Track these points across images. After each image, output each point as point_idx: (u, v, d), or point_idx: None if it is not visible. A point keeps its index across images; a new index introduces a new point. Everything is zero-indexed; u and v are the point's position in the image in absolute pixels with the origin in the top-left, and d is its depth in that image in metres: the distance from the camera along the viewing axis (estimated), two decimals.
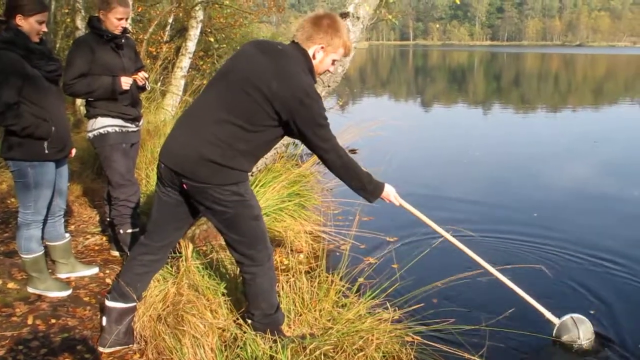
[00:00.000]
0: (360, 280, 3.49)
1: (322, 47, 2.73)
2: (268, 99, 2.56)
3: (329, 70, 2.88)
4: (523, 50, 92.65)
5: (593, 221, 5.92)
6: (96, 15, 3.86)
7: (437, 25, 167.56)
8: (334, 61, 2.81)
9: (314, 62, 2.74)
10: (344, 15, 4.80)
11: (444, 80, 31.50)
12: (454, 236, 3.38)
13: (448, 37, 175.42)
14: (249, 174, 2.81)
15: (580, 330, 3.40)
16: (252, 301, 2.92)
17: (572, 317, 3.45)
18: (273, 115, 2.60)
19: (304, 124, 2.61)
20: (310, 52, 2.73)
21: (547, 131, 12.69)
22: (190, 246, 3.51)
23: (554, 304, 3.67)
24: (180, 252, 3.45)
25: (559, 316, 3.47)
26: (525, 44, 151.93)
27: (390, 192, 3.01)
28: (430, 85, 28.18)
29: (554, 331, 3.45)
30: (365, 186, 2.87)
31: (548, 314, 3.47)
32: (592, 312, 3.82)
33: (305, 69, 2.68)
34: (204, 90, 2.78)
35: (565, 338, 3.42)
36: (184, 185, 2.67)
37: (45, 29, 3.39)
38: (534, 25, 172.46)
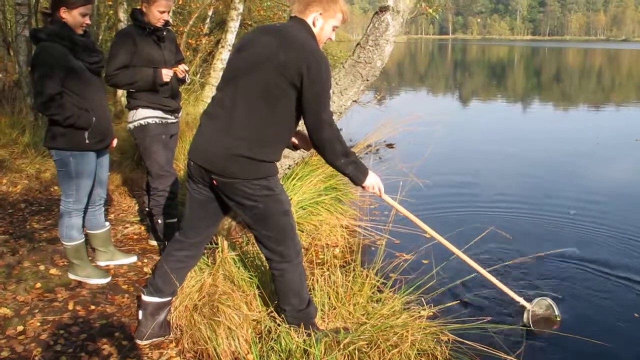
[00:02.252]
0: (395, 275, 3.47)
1: (320, 14, 2.73)
2: (281, 71, 2.54)
3: (330, 38, 2.85)
4: (565, 45, 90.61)
5: (627, 217, 5.76)
6: (139, 7, 3.92)
7: (477, 20, 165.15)
8: (334, 27, 2.80)
9: (315, 30, 2.74)
10: (384, 8, 4.76)
11: (483, 75, 31.04)
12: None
13: (488, 31, 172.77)
14: (281, 168, 2.79)
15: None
16: (283, 297, 2.92)
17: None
18: (287, 87, 2.57)
19: (309, 87, 2.55)
20: (310, 21, 2.73)
21: (587, 128, 12.37)
22: (227, 238, 3.54)
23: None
24: (216, 243, 3.49)
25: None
26: (568, 39, 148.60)
27: (375, 182, 2.88)
28: (469, 80, 27.80)
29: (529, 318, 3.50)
30: (355, 161, 2.77)
31: (521, 300, 3.56)
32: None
33: (308, 36, 2.68)
34: (220, 85, 2.77)
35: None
36: (214, 182, 2.68)
37: (88, 22, 3.46)
38: (577, 20, 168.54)
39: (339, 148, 2.69)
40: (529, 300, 3.59)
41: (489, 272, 3.55)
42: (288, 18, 2.82)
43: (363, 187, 2.89)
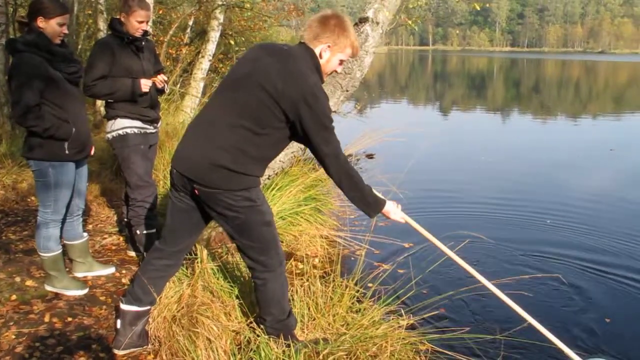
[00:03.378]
0: (375, 285, 3.48)
1: (329, 46, 2.70)
2: (275, 99, 2.54)
3: (336, 71, 2.85)
4: (544, 57, 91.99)
5: (605, 226, 5.87)
6: (117, 17, 3.91)
7: (457, 31, 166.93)
8: (341, 61, 2.79)
9: (321, 61, 2.72)
10: (363, 20, 4.80)
11: (463, 86, 31.36)
12: (454, 248, 3.30)
13: (468, 42, 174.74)
14: (261, 178, 2.80)
15: None
16: (264, 307, 2.91)
17: None
18: (281, 116, 2.57)
19: (310, 124, 2.56)
20: (317, 52, 2.71)
21: (564, 138, 12.61)
22: (206, 248, 3.52)
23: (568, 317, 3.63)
24: (195, 254, 3.47)
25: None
26: (546, 51, 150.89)
27: (391, 210, 2.90)
28: (449, 91, 28.07)
29: None
30: (365, 197, 2.79)
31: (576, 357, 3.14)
32: (607, 320, 3.78)
33: (312, 68, 2.66)
34: (212, 96, 2.78)
35: None
36: (196, 191, 2.67)
37: (66, 31, 3.43)
38: (555, 32, 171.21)
39: (345, 181, 2.71)
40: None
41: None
42: (298, 42, 2.79)
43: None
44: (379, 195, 2.87)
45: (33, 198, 5.54)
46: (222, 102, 2.68)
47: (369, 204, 2.81)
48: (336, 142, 2.67)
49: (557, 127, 14.94)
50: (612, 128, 14.69)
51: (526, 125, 15.08)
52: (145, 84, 3.86)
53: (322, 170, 5.82)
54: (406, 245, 4.94)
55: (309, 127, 2.57)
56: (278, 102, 2.54)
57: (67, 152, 3.42)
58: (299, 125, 2.59)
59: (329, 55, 2.73)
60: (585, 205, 6.70)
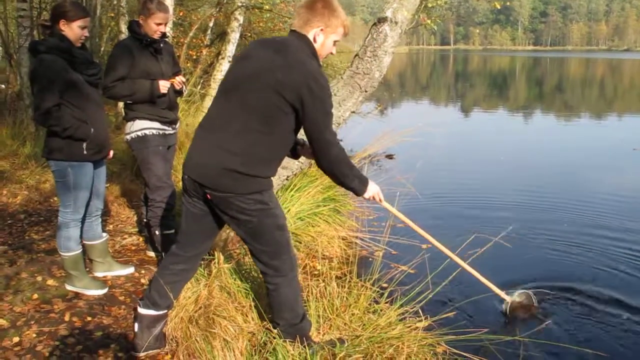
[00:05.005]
0: (392, 286, 3.46)
1: (322, 30, 2.69)
2: (277, 91, 2.52)
3: (331, 53, 2.83)
4: (567, 55, 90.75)
5: (625, 227, 5.78)
6: (136, 20, 3.95)
7: (478, 30, 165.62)
8: (335, 42, 2.77)
9: (316, 45, 2.70)
10: (382, 20, 4.78)
11: (484, 86, 31.08)
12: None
13: (489, 41, 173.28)
14: (280, 179, 2.80)
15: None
16: (277, 311, 2.91)
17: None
18: (285, 107, 2.56)
19: (312, 109, 2.54)
20: (310, 37, 2.69)
21: (586, 138, 12.44)
22: (223, 249, 3.54)
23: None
24: (212, 255, 3.49)
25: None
26: (570, 49, 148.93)
27: (375, 191, 2.95)
28: (470, 91, 27.84)
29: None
30: (359, 176, 2.82)
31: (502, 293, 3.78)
32: None
33: (309, 55, 2.65)
34: (216, 97, 2.76)
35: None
36: (208, 196, 2.68)
37: (87, 34, 3.49)
38: (578, 30, 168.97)
39: (346, 166, 2.72)
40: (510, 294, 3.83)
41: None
42: (288, 31, 2.80)
43: (365, 198, 2.94)
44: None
45: (55, 199, 5.62)
46: (226, 104, 2.67)
47: (363, 180, 2.85)
48: (333, 130, 2.67)
49: (580, 126, 14.72)
50: (636, 127, 14.44)
51: (548, 125, 14.89)
52: (163, 86, 3.90)
53: None
54: (424, 246, 4.90)
55: (311, 112, 2.55)
56: (281, 93, 2.53)
57: (85, 152, 3.47)
58: (301, 112, 2.57)
59: (323, 38, 2.72)
60: (604, 205, 6.59)
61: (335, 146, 2.64)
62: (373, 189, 2.93)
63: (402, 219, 3.34)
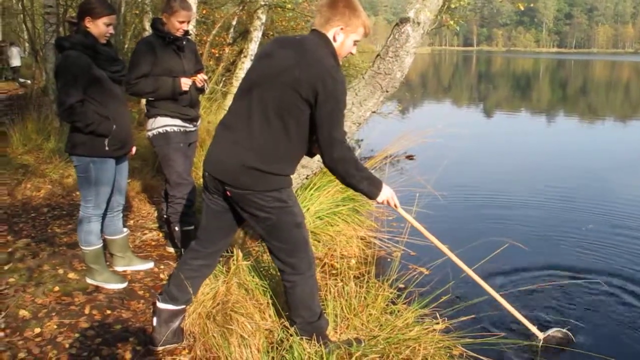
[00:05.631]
0: (410, 287, 3.45)
1: (342, 29, 2.68)
2: (294, 88, 2.53)
3: (351, 53, 2.81)
4: (592, 58, 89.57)
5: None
6: (159, 17, 3.98)
7: (501, 32, 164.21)
8: (355, 42, 2.76)
9: (335, 45, 2.69)
10: (404, 20, 4.77)
11: (507, 88, 30.81)
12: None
13: (513, 43, 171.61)
14: (300, 178, 2.80)
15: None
16: (294, 309, 2.91)
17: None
18: (302, 105, 2.55)
19: (325, 105, 2.53)
20: (330, 36, 2.68)
21: (608, 141, 12.29)
22: (242, 246, 3.56)
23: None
24: (231, 251, 3.51)
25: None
26: (595, 52, 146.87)
27: (389, 194, 2.83)
28: (493, 92, 27.62)
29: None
30: (369, 177, 2.72)
31: (533, 328, 3.40)
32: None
33: (327, 53, 2.64)
34: (236, 97, 2.77)
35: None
36: (228, 193, 2.70)
37: (112, 32, 3.53)
38: (604, 32, 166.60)
39: (351, 166, 2.65)
40: (543, 330, 3.47)
41: (502, 295, 3.44)
42: (310, 30, 2.81)
43: (378, 202, 2.86)
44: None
45: (78, 193, 5.69)
46: (246, 103, 2.67)
47: (374, 181, 2.75)
48: (343, 129, 2.63)
49: (603, 130, 14.52)
50: None
51: (571, 128, 14.71)
52: (185, 83, 3.92)
53: None
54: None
55: (323, 107, 2.53)
56: (297, 90, 2.53)
57: (107, 148, 3.51)
58: (314, 107, 2.56)
59: (343, 37, 2.70)
60: (624, 210, 6.50)
61: (340, 144, 2.60)
62: (386, 193, 2.81)
63: (417, 227, 3.17)
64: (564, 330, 3.49)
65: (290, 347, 2.84)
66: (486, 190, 7.38)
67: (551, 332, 3.44)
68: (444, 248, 3.25)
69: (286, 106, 2.57)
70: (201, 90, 4.18)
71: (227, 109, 2.89)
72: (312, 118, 2.61)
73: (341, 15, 2.67)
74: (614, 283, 4.40)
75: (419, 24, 4.78)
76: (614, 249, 5.17)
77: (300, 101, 2.55)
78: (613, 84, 34.58)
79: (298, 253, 2.80)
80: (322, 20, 2.70)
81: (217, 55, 10.92)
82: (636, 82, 35.83)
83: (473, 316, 3.35)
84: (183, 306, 3.07)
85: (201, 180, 2.95)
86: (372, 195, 2.79)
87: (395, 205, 2.88)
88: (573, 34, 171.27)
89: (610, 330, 3.70)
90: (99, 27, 3.44)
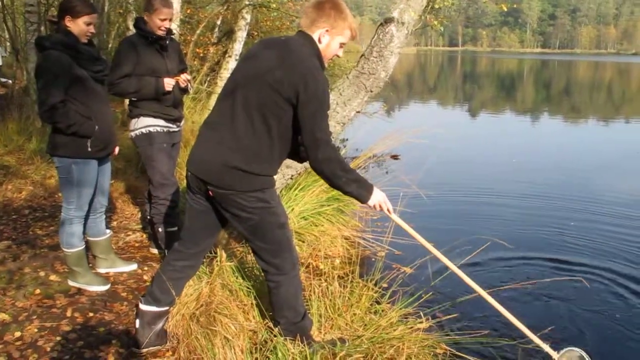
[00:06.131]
0: (394, 287, 3.45)
1: (327, 30, 2.67)
2: (276, 89, 2.52)
3: (337, 55, 2.81)
4: (575, 59, 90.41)
5: (629, 231, 5.75)
6: (142, 16, 3.95)
7: (484, 32, 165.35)
8: (341, 44, 2.75)
9: (320, 46, 2.69)
10: (389, 20, 4.77)
11: (492, 88, 30.99)
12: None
13: (498, 43, 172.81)
14: (284, 178, 2.79)
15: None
16: (278, 309, 2.90)
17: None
18: (284, 105, 2.54)
19: (306, 106, 2.51)
20: (315, 37, 2.68)
21: (592, 141, 12.46)
22: (225, 247, 3.54)
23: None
24: (215, 252, 3.49)
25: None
26: (578, 52, 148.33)
27: (380, 198, 2.76)
28: (478, 93, 27.77)
29: None
30: (358, 179, 2.68)
31: (546, 347, 3.14)
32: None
33: (311, 54, 2.63)
34: (221, 95, 2.76)
35: None
36: (210, 192, 2.68)
37: (93, 31, 3.48)
38: (587, 33, 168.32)
39: (337, 167, 2.61)
40: (556, 348, 3.18)
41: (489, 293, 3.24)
42: (296, 30, 2.80)
43: (369, 205, 2.79)
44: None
45: (60, 194, 5.63)
46: (230, 102, 2.67)
47: (363, 184, 2.70)
48: (329, 129, 2.61)
49: (587, 130, 14.69)
50: None
51: (554, 128, 14.83)
52: (168, 83, 3.90)
53: None
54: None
55: (305, 108, 2.52)
56: (279, 90, 2.52)
57: (89, 149, 3.47)
58: (298, 110, 2.54)
59: (328, 39, 2.70)
60: (605, 209, 6.57)
61: (325, 145, 2.56)
62: (378, 197, 2.75)
63: (411, 233, 3.04)
64: (581, 352, 3.15)
65: (274, 347, 2.83)
66: (470, 190, 7.41)
67: (565, 352, 3.14)
68: (444, 258, 3.10)
69: (269, 106, 2.56)
70: (185, 91, 4.15)
71: (211, 109, 2.87)
72: (296, 119, 2.59)
73: (327, 17, 2.67)
74: (598, 279, 4.45)
75: (403, 24, 4.79)
76: (594, 246, 5.24)
77: (282, 101, 2.54)
78: (596, 84, 34.94)
79: (282, 253, 2.79)
80: (308, 21, 2.69)
81: (201, 55, 10.87)
82: (618, 83, 36.21)
83: (456, 315, 3.36)
84: (166, 308, 3.05)
85: (185, 181, 2.92)
86: (362, 199, 2.74)
87: (388, 210, 2.82)
88: (557, 35, 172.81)
89: (587, 324, 3.75)
90: (80, 26, 3.40)
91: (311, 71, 2.54)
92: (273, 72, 2.53)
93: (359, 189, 2.70)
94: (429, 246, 3.05)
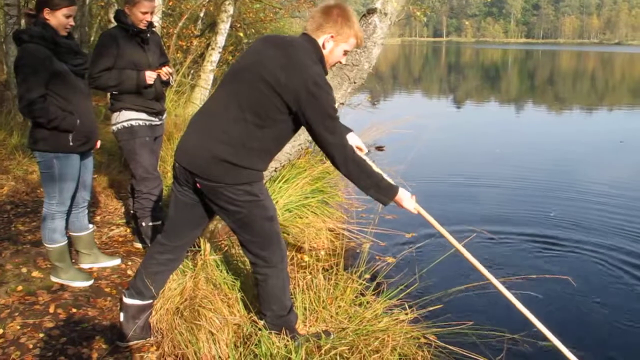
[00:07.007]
0: (379, 279, 3.46)
1: (332, 37, 2.67)
2: (277, 91, 2.51)
3: (340, 62, 2.82)
4: (559, 49, 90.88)
5: (614, 222, 5.79)
6: (123, 9, 3.91)
7: (467, 22, 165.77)
8: (345, 52, 2.75)
9: (324, 51, 2.68)
10: (372, 11, 4.76)
11: (476, 78, 31.09)
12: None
13: (482, 34, 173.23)
14: (268, 171, 2.78)
15: None
16: (264, 302, 2.90)
17: None
18: (283, 108, 2.55)
19: (313, 115, 2.52)
20: (320, 42, 2.67)
21: (575, 131, 12.54)
22: (210, 240, 3.52)
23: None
24: (199, 246, 3.47)
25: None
26: (562, 42, 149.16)
27: (404, 197, 2.83)
28: (462, 83, 27.85)
29: None
30: (378, 183, 2.73)
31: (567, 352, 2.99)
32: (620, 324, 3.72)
33: (314, 59, 2.62)
34: (216, 88, 2.76)
35: None
36: (198, 185, 2.66)
37: (72, 23, 3.43)
38: (570, 23, 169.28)
39: (355, 169, 2.66)
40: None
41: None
42: (295, 31, 2.78)
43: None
44: (391, 181, 2.82)
45: (42, 190, 5.58)
46: (224, 95, 2.66)
47: (382, 189, 2.75)
48: (341, 132, 2.64)
49: (570, 119, 14.81)
50: (625, 120, 14.52)
51: (538, 118, 14.93)
52: (149, 76, 3.86)
53: (329, 162, 5.83)
54: (408, 235, 4.89)
55: (312, 117, 2.53)
56: (280, 94, 2.52)
57: (71, 143, 3.43)
58: (302, 117, 2.56)
59: (333, 45, 2.69)
60: (589, 199, 6.64)
61: (338, 148, 2.60)
62: (407, 200, 2.84)
63: (443, 233, 3.05)
64: None
65: (259, 341, 2.83)
66: (455, 180, 7.43)
67: None
68: (481, 267, 3.07)
69: (266, 106, 2.55)
70: (166, 84, 4.12)
71: (195, 102, 2.85)
72: (296, 122, 2.61)
73: (334, 23, 2.66)
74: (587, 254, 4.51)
75: (386, 14, 4.78)
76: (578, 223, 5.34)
77: (281, 104, 2.54)
78: (579, 74, 35.17)
79: (270, 246, 2.78)
80: (314, 25, 2.68)
81: (184, 47, 10.77)
82: (601, 72, 36.48)
83: (441, 306, 3.38)
84: (150, 301, 3.03)
85: (168, 174, 2.90)
86: (383, 202, 2.81)
87: (419, 212, 2.90)
88: (540, 25, 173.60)
89: (574, 320, 3.78)
90: (59, 18, 3.35)
91: (315, 79, 2.51)
92: (276, 75, 2.51)
93: (376, 194, 2.76)
94: (462, 249, 3.08)
